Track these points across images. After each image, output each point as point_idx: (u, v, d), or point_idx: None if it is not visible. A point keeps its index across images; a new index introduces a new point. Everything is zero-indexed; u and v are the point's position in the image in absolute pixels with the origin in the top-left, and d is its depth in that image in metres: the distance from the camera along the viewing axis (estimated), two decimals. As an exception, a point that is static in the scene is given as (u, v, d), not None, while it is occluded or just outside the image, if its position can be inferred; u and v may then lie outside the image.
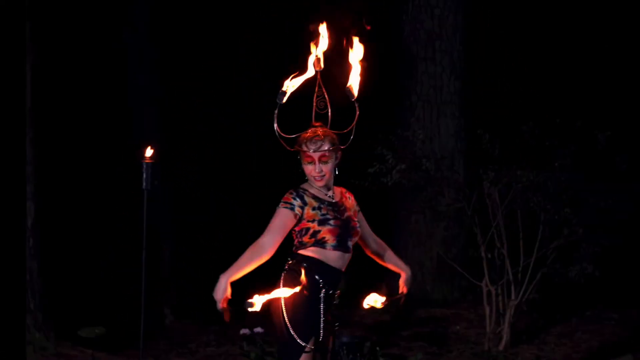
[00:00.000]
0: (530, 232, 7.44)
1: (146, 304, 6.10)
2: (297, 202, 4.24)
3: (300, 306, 4.21)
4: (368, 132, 6.27)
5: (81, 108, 9.74)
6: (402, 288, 4.61)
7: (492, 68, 10.91)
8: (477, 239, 7.50)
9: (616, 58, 11.24)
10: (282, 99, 4.25)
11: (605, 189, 7.52)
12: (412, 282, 4.65)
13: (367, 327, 8.24)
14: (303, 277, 4.16)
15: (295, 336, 4.19)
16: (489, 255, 7.44)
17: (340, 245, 4.28)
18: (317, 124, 4.32)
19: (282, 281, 4.27)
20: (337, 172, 4.35)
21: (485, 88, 10.47)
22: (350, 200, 4.44)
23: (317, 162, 4.27)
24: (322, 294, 4.26)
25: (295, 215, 4.22)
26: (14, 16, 5.83)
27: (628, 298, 8.87)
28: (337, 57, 4.32)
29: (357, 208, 4.49)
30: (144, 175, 6.06)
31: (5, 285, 5.72)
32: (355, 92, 4.32)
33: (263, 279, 4.42)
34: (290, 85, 4.26)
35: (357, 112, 4.30)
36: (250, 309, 4.10)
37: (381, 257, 4.63)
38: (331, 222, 4.26)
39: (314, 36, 4.28)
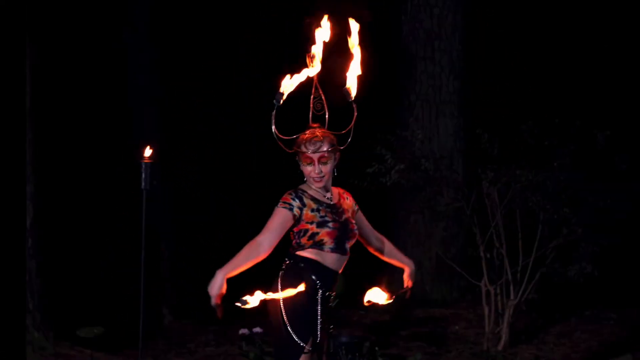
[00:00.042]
0: (529, 231, 7.44)
1: (145, 304, 6.10)
2: (296, 203, 4.24)
3: (299, 307, 4.21)
4: (367, 132, 6.27)
5: (81, 108, 9.74)
6: (407, 282, 4.61)
7: (492, 67, 10.90)
8: (476, 238, 7.50)
9: (615, 58, 11.23)
10: (280, 101, 4.25)
11: (604, 189, 7.53)
12: (415, 276, 4.64)
13: (366, 327, 8.25)
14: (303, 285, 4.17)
15: (294, 337, 4.18)
16: (488, 255, 7.44)
17: (338, 248, 4.29)
18: (314, 125, 4.32)
19: (279, 281, 4.26)
20: (335, 173, 4.35)
21: (485, 87, 10.46)
22: (348, 201, 4.44)
23: (316, 163, 4.26)
24: (318, 296, 4.26)
25: (294, 216, 4.22)
26: (14, 16, 5.83)
27: (627, 298, 8.86)
28: (334, 58, 4.32)
29: (356, 207, 4.49)
30: (143, 175, 6.06)
31: (5, 285, 5.72)
32: (353, 93, 4.32)
33: (259, 277, 4.42)
34: (288, 86, 4.26)
35: (355, 113, 4.30)
36: (243, 307, 4.10)
37: (383, 253, 4.63)
38: (330, 224, 4.25)
39: (311, 35, 4.28)
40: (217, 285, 4.09)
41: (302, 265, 4.25)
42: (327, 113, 4.30)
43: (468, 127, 9.09)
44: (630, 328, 8.15)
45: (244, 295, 4.11)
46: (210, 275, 4.15)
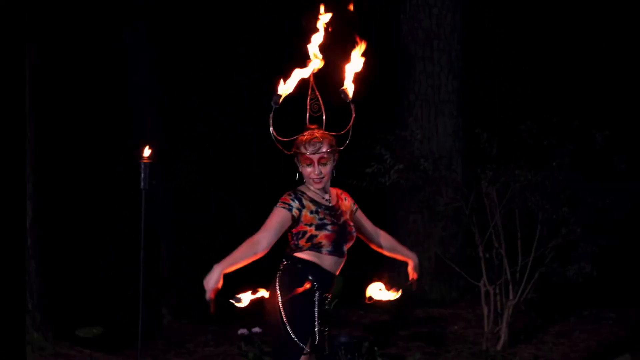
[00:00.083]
0: (528, 231, 7.44)
1: (144, 304, 6.10)
2: (295, 204, 4.24)
3: (298, 308, 4.21)
4: (366, 132, 6.27)
5: (81, 108, 9.75)
6: (412, 275, 4.61)
7: (490, 67, 10.91)
8: (475, 238, 7.50)
9: (614, 57, 11.23)
10: (277, 102, 4.25)
11: (603, 189, 7.53)
12: (420, 268, 4.65)
13: (365, 327, 8.25)
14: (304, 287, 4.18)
15: (294, 338, 4.18)
16: (487, 255, 7.44)
17: (336, 250, 4.29)
18: (312, 126, 4.32)
19: (277, 282, 4.27)
20: (334, 174, 4.35)
21: (483, 87, 10.47)
22: (346, 202, 4.44)
23: (316, 165, 4.26)
24: (315, 297, 4.26)
25: (293, 216, 4.22)
26: (14, 16, 5.83)
27: (626, 297, 8.86)
28: (331, 58, 4.33)
29: (355, 207, 4.49)
30: (142, 175, 6.07)
31: (5, 285, 5.72)
32: (351, 94, 4.32)
33: (256, 277, 4.42)
34: (285, 88, 4.27)
35: (353, 114, 4.30)
36: (237, 304, 4.10)
37: (386, 248, 4.63)
38: (328, 227, 4.26)
39: (309, 31, 4.29)
40: (214, 280, 4.08)
41: (300, 266, 4.25)
42: (324, 114, 4.31)
43: (467, 127, 9.10)
44: (629, 328, 8.15)
45: (239, 293, 4.11)
46: (210, 276, 4.14)
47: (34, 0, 7.25)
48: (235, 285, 4.22)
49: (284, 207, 4.23)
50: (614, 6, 11.12)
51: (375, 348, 6.73)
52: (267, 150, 4.35)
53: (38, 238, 7.26)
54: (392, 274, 8.48)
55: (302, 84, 4.29)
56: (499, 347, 7.43)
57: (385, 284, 4.43)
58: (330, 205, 4.33)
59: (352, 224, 4.38)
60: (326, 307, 4.29)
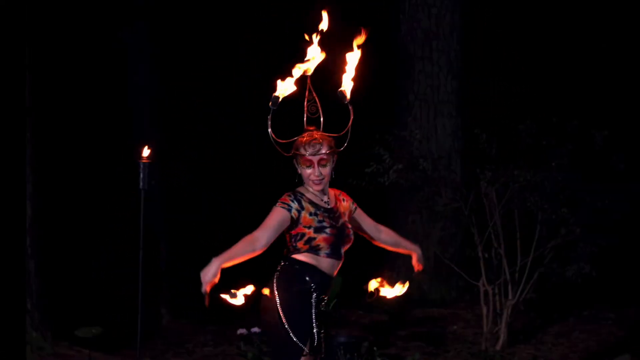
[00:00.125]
0: (527, 231, 7.44)
1: (143, 304, 6.10)
2: (294, 205, 4.24)
3: (296, 310, 4.22)
4: (365, 132, 6.27)
5: (81, 108, 9.75)
6: (417, 267, 4.64)
7: (490, 67, 10.90)
8: (474, 238, 7.49)
9: (613, 57, 11.23)
10: (276, 104, 4.25)
11: (602, 189, 7.52)
12: (424, 259, 4.67)
13: (364, 327, 8.25)
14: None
15: (294, 339, 4.18)
16: (486, 255, 7.44)
17: (334, 253, 4.30)
18: (310, 128, 4.32)
19: (275, 283, 4.26)
20: (333, 176, 4.35)
21: (483, 87, 10.47)
22: (345, 203, 4.44)
23: (316, 166, 4.26)
24: (313, 299, 4.26)
25: (292, 217, 4.22)
26: (14, 16, 5.83)
27: (625, 298, 8.86)
28: (328, 59, 4.32)
29: (354, 206, 4.49)
30: (141, 175, 6.06)
31: (5, 285, 5.72)
32: (348, 95, 4.32)
33: (253, 277, 4.42)
34: (283, 89, 4.26)
35: (352, 115, 4.30)
36: (231, 299, 4.09)
37: (389, 244, 4.64)
38: (327, 230, 4.26)
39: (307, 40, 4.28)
40: (211, 273, 4.06)
41: (297, 267, 4.25)
42: (321, 116, 4.30)
43: (466, 127, 9.08)
44: (629, 328, 8.15)
45: (234, 289, 4.11)
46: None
47: (34, 0, 7.25)
48: (234, 285, 4.21)
49: (283, 207, 4.23)
50: (613, 6, 11.11)
51: (375, 348, 6.72)
52: (267, 150, 4.34)
53: (37, 238, 7.26)
54: (392, 273, 8.54)
55: (300, 85, 4.29)
56: (498, 347, 7.42)
57: (387, 280, 4.44)
58: (329, 207, 4.33)
59: (350, 226, 4.39)
60: (323, 309, 4.29)
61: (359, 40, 4.30)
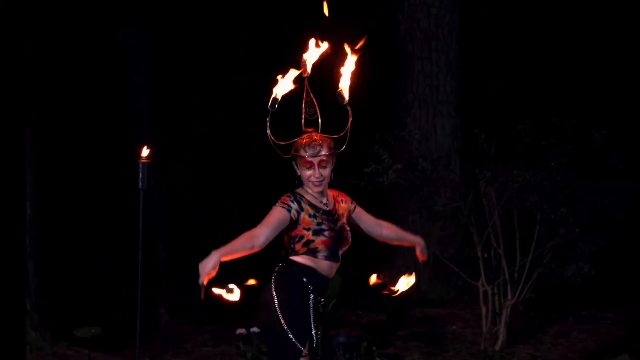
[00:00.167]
0: (526, 231, 7.44)
1: (142, 304, 6.10)
2: (294, 206, 4.25)
3: (295, 311, 4.22)
4: (364, 132, 6.27)
5: (81, 108, 9.75)
6: (421, 257, 4.68)
7: (489, 67, 10.90)
8: (473, 238, 7.49)
9: (613, 57, 11.23)
10: (275, 106, 4.25)
11: (602, 189, 7.52)
12: (427, 249, 4.71)
13: (363, 327, 8.25)
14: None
15: (293, 340, 4.18)
16: (486, 255, 7.44)
17: (332, 256, 4.31)
18: (309, 129, 4.32)
19: (272, 284, 4.26)
20: (332, 178, 4.35)
21: (482, 87, 10.47)
22: (343, 204, 4.45)
23: (316, 168, 4.26)
24: (311, 300, 4.26)
25: (291, 217, 4.23)
26: (14, 16, 5.84)
27: (624, 297, 8.86)
28: (326, 61, 4.32)
29: (353, 206, 4.49)
30: (140, 175, 6.07)
31: (5, 286, 5.72)
32: (346, 96, 4.32)
33: (250, 276, 4.42)
34: (280, 91, 4.26)
35: (350, 117, 4.30)
36: (228, 294, 4.07)
37: (392, 238, 4.69)
38: (326, 233, 4.26)
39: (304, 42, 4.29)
40: (210, 265, 4.03)
41: (295, 268, 4.26)
42: (319, 117, 4.30)
43: (465, 127, 9.07)
44: (628, 328, 8.15)
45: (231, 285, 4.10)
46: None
47: (34, 1, 7.26)
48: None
49: (283, 207, 4.23)
50: (612, 6, 11.11)
51: (374, 348, 6.73)
52: (267, 150, 4.34)
53: (36, 238, 7.26)
54: (392, 273, 8.53)
55: (298, 86, 4.29)
56: (497, 347, 7.42)
57: (387, 278, 4.46)
58: (327, 209, 4.33)
59: (348, 228, 4.40)
60: (320, 310, 4.29)
61: (357, 46, 4.30)
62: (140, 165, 6.06)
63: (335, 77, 4.31)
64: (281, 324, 4.18)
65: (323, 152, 4.25)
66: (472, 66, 9.89)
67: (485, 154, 7.39)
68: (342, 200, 4.45)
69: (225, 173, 10.52)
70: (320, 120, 4.30)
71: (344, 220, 4.39)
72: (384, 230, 4.62)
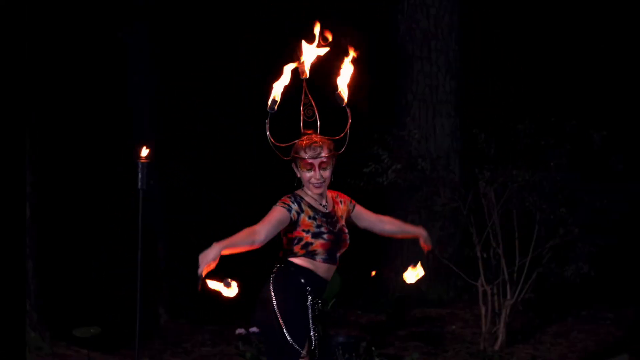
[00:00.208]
0: (525, 231, 7.44)
1: (141, 304, 6.10)
2: (294, 207, 4.25)
3: (293, 312, 4.23)
4: (364, 132, 6.28)
5: (80, 108, 9.76)
6: (426, 247, 4.66)
7: (488, 67, 10.90)
8: (472, 238, 7.50)
9: (612, 58, 11.22)
10: (274, 108, 4.25)
11: (601, 189, 7.53)
12: (430, 239, 4.70)
13: (362, 327, 8.25)
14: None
15: (291, 341, 4.18)
16: (485, 255, 7.45)
17: (330, 258, 4.31)
18: (308, 131, 4.32)
19: (271, 285, 4.26)
20: (332, 179, 4.35)
21: (481, 87, 10.47)
22: (342, 205, 4.45)
23: (316, 169, 4.26)
24: (309, 302, 4.27)
25: (291, 218, 4.23)
26: (14, 16, 5.84)
27: (623, 297, 8.85)
28: (325, 62, 4.32)
29: (352, 205, 4.49)
30: (140, 175, 6.06)
31: (4, 286, 5.73)
32: (345, 97, 4.32)
33: (251, 277, 4.43)
34: (279, 92, 4.26)
35: (349, 118, 4.30)
36: (226, 288, 4.06)
37: (395, 232, 4.69)
38: (325, 236, 4.27)
39: (299, 45, 4.28)
40: (211, 256, 3.99)
41: (293, 269, 4.26)
42: (318, 119, 4.30)
43: (465, 127, 9.07)
44: (627, 328, 8.14)
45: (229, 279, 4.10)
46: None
47: (34, 1, 7.26)
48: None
49: (283, 207, 4.24)
50: (612, 6, 11.11)
51: (373, 348, 6.73)
52: (267, 150, 4.34)
53: (36, 238, 7.26)
54: (392, 273, 8.54)
55: (297, 87, 4.29)
56: (496, 347, 7.42)
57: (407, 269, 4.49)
58: (327, 211, 4.33)
59: (346, 230, 4.40)
60: (317, 312, 4.30)
61: (355, 52, 4.30)
62: (140, 165, 6.05)
63: (334, 79, 4.31)
64: (280, 325, 4.18)
65: (323, 154, 4.25)
66: (472, 66, 9.90)
67: (485, 154, 7.39)
68: (341, 202, 4.45)
69: (225, 173, 10.52)
70: (318, 122, 4.30)
71: (343, 221, 4.40)
72: (387, 225, 4.62)
